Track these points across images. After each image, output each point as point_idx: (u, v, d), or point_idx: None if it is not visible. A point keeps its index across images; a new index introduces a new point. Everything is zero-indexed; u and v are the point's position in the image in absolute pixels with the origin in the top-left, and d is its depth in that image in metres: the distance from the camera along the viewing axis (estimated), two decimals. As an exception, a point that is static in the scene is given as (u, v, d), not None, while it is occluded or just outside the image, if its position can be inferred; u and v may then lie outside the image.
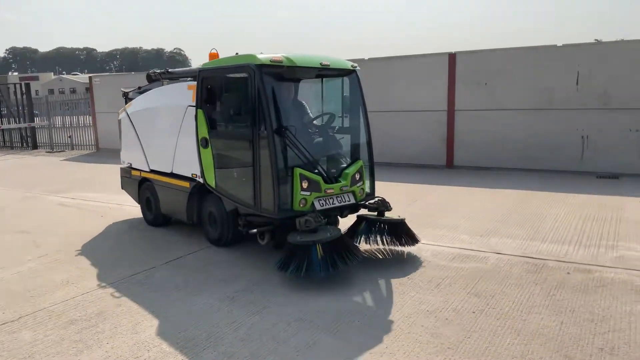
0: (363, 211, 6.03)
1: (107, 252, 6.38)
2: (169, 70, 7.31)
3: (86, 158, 17.26)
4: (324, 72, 6.01)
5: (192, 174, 6.36)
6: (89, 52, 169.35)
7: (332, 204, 5.51)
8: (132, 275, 5.45)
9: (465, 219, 7.25)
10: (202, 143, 6.01)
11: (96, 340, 4.00)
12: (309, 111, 6.31)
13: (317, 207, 5.34)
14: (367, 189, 6.05)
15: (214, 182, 5.98)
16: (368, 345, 3.79)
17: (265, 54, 5.27)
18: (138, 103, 7.54)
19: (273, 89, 5.31)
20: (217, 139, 5.91)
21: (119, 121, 7.98)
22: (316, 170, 5.41)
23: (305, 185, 5.26)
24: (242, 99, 5.45)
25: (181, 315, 4.44)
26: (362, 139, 6.11)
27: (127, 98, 7.98)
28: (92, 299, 4.84)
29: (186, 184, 6.52)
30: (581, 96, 10.82)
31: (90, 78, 19.28)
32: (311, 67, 5.65)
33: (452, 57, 12.03)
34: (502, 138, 11.66)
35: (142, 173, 7.49)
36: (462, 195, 9.00)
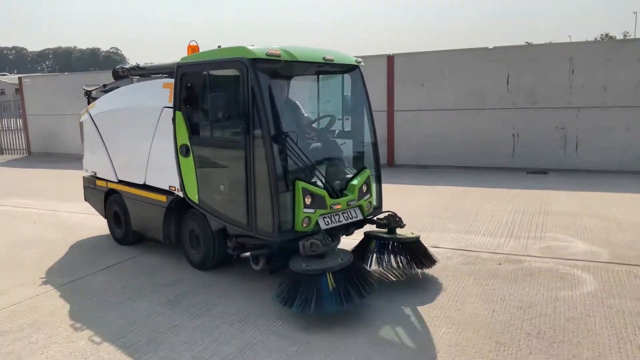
0: (368, 227, 5.33)
1: (40, 259, 6.12)
2: (140, 65, 6.33)
3: (17, 163, 16.42)
4: (323, 69, 5.23)
5: (169, 187, 5.55)
6: (19, 51, 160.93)
7: (339, 221, 4.78)
8: (67, 283, 5.27)
9: (405, 215, 7.46)
10: (182, 151, 5.19)
11: (30, 352, 3.85)
12: (304, 113, 5.62)
13: (322, 226, 4.62)
14: (374, 202, 5.33)
15: (196, 197, 5.15)
16: (309, 339, 3.87)
17: (258, 46, 4.52)
18: (103, 103, 6.62)
19: (270, 88, 4.52)
20: (200, 147, 5.07)
21: (81, 124, 7.07)
22: (320, 183, 4.70)
23: (308, 201, 4.52)
24: (232, 99, 4.66)
25: (120, 321, 4.34)
26: (367, 145, 5.38)
27: (89, 97, 7.11)
28: (23, 309, 4.64)
29: (162, 198, 5.68)
30: (511, 96, 11.37)
31: (20, 79, 18.33)
32: (312, 63, 4.88)
33: (390, 59, 12.34)
34: (439, 137, 12.07)
35: (108, 184, 6.60)
36: (402, 193, 9.25)
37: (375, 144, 5.33)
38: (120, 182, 6.38)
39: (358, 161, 5.35)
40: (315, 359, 3.60)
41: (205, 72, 4.89)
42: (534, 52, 11.41)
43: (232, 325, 4.17)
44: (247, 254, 4.75)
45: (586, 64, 10.75)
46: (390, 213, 5.20)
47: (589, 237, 6.22)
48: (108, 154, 6.51)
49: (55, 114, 16.81)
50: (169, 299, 4.75)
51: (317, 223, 4.60)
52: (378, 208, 5.36)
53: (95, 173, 6.89)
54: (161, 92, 5.51)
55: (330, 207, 4.67)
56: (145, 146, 5.80)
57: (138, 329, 4.16)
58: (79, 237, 7.08)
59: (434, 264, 5.09)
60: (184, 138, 5.16)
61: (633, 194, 8.56)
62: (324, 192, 4.63)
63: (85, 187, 7.24)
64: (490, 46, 11.56)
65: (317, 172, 4.70)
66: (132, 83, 6.47)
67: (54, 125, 16.99)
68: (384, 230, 5.19)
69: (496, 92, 11.48)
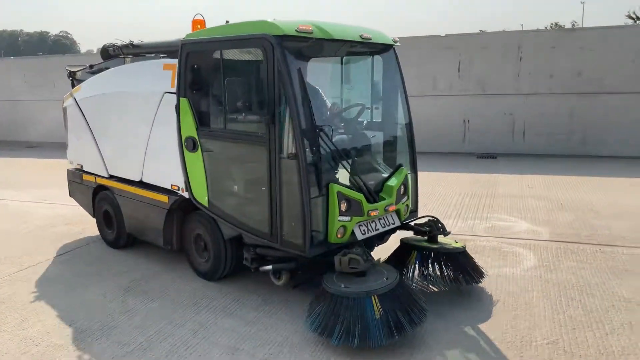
0: (399, 232, 4.64)
1: (-13, 250, 5.97)
2: (134, 43, 5.51)
3: (-40, 151, 15.70)
4: (356, 49, 4.51)
5: (171, 186, 4.84)
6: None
7: (375, 229, 4.14)
8: (17, 272, 5.17)
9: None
10: (188, 145, 4.46)
11: (-23, 341, 3.80)
12: (326, 100, 4.91)
13: (359, 235, 3.97)
14: (411, 205, 4.71)
15: (205, 199, 4.45)
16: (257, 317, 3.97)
17: (284, 21, 3.80)
18: (90, 87, 5.79)
19: (299, 72, 3.77)
20: (211, 140, 4.34)
21: (64, 109, 6.27)
22: (355, 186, 4.03)
23: (344, 207, 3.85)
24: (252, 85, 4.06)
25: (72, 308, 4.32)
26: (403, 138, 4.78)
27: (74, 79, 6.26)
28: (-29, 299, 4.56)
29: (163, 198, 4.96)
30: (462, 83, 11.69)
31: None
32: (347, 41, 4.21)
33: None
34: (394, 123, 12.27)
35: (97, 179, 5.83)
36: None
37: (411, 138, 4.71)
38: (112, 177, 5.63)
39: (393, 158, 4.71)
40: None
41: (218, 52, 4.15)
42: (485, 39, 11.76)
43: (187, 309, 4.22)
44: (268, 267, 4.08)
45: (534, 52, 11.16)
46: (432, 218, 4.54)
47: (532, 217, 6.55)
48: (97, 145, 5.73)
49: (6, 100, 16.15)
50: (122, 286, 4.75)
51: (352, 233, 3.95)
52: (414, 211, 4.77)
53: (82, 166, 6.13)
54: (161, 74, 4.76)
55: (367, 214, 4.01)
56: (142, 138, 5.06)
57: (91, 315, 4.16)
58: (29, 226, 6.92)
59: (483, 277, 4.45)
60: (191, 130, 4.42)
61: (575, 176, 9.01)
62: (360, 196, 3.96)
63: (69, 182, 6.46)
64: (443, 34, 11.84)
65: (351, 172, 4.03)
66: (124, 63, 5.71)
67: (7, 111, 16.32)
68: (423, 237, 4.53)
69: (448, 79, 11.78)
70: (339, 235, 3.86)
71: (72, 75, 6.29)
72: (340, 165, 4.01)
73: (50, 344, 3.72)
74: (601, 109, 10.93)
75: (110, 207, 5.74)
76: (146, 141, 5.04)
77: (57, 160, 10.36)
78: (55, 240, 6.19)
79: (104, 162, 5.69)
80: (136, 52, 5.53)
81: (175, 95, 4.52)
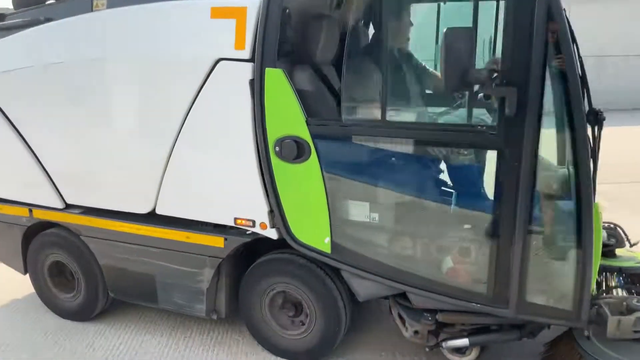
0: None
1: None
2: None
3: None
4: None
5: (236, 220, 2.97)
6: None
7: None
8: None
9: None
10: (284, 150, 2.69)
11: None
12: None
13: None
14: None
15: (325, 240, 2.78)
16: None
17: None
18: (12, 53, 3.41)
19: (568, 21, 2.24)
20: (344, 144, 2.80)
21: None
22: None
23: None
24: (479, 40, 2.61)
25: None
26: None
27: None
28: None
29: (215, 242, 3.07)
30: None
31: None
32: None
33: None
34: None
35: (35, 212, 3.66)
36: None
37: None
38: (70, 207, 3.55)
39: None
40: None
41: None
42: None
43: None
44: (464, 341, 2.72)
45: None
46: (612, 225, 3.23)
47: None
48: (33, 153, 3.50)
49: None
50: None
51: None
52: None
53: None
54: (208, 25, 2.74)
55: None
56: (161, 139, 3.03)
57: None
58: None
59: None
60: (290, 124, 2.68)
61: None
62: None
63: None
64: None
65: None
66: (91, 8, 3.23)
67: None
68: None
69: None
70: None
71: None
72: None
73: None
74: None
75: (69, 257, 3.68)
76: (171, 146, 3.00)
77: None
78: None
79: (52, 182, 3.52)
80: None
81: (247, 64, 2.67)
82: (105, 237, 3.40)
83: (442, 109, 2.82)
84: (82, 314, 3.70)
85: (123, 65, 3.05)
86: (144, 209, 3.21)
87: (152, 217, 3.21)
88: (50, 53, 3.26)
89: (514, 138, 2.23)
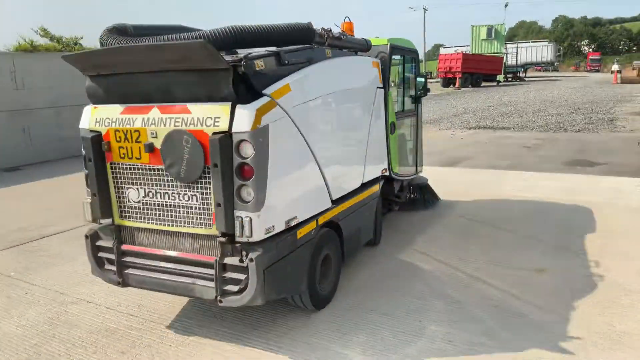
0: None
1: None
2: (336, 34, 4.64)
3: None
4: None
5: (382, 171, 5.55)
6: None
7: None
8: None
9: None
10: (393, 129, 5.83)
11: None
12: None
13: None
14: None
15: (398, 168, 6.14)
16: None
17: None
18: (302, 87, 3.83)
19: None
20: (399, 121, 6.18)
21: (260, 131, 3.35)
22: None
23: None
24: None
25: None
26: None
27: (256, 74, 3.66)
28: None
29: (376, 188, 5.43)
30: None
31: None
32: None
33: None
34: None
35: (320, 219, 4.07)
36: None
37: None
38: (334, 202, 4.30)
39: None
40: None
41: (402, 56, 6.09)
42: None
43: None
44: None
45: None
46: None
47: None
48: (319, 167, 4.04)
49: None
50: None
51: None
52: None
53: (293, 218, 3.69)
54: (371, 70, 5.27)
55: None
56: (363, 135, 4.96)
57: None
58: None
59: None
60: (392, 115, 5.77)
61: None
62: None
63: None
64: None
65: None
66: (325, 55, 4.33)
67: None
68: None
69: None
70: None
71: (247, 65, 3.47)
72: None
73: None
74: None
75: (333, 249, 4.29)
76: (367, 137, 5.01)
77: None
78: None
79: (327, 187, 4.15)
80: (339, 44, 4.71)
81: (382, 89, 5.40)
82: (344, 215, 4.46)
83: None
84: (326, 299, 4.29)
85: (352, 92, 4.83)
86: (358, 183, 4.90)
87: (360, 188, 4.93)
88: (324, 85, 4.18)
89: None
